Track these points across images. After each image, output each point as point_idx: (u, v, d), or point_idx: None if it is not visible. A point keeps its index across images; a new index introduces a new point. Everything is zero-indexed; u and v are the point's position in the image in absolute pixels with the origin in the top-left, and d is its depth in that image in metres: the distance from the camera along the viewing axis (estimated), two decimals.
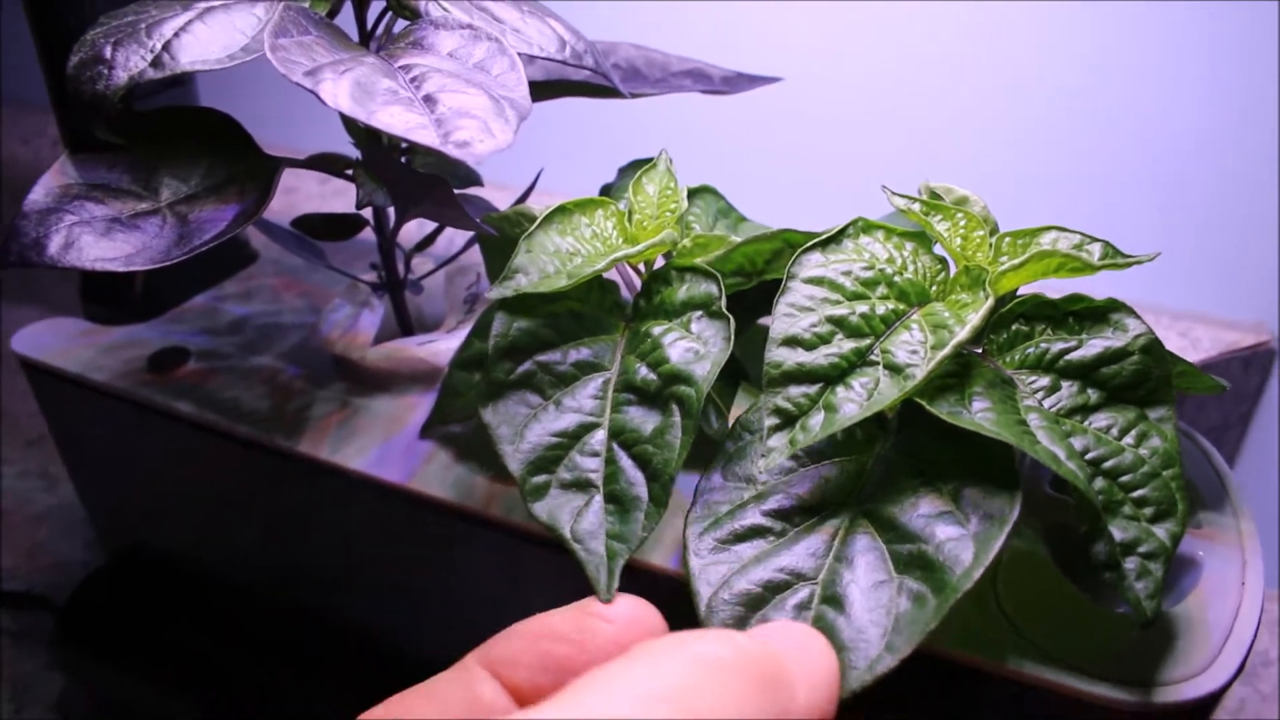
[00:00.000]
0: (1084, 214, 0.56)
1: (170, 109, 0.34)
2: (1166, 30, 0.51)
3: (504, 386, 0.31)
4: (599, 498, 0.30)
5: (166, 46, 0.30)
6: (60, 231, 0.29)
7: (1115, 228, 0.55)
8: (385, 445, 0.37)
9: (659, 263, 0.35)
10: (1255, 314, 0.55)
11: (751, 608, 0.26)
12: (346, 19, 0.34)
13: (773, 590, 0.27)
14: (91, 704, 0.49)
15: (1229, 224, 0.54)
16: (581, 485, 0.30)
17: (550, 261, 0.32)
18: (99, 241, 0.29)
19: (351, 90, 0.26)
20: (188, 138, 0.33)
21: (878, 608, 0.25)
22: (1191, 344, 0.53)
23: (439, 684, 0.25)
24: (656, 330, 0.32)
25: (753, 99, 0.42)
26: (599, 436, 0.30)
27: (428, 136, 0.25)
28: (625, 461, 0.30)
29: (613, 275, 0.35)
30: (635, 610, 0.24)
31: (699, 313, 0.32)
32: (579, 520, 0.29)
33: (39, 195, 0.30)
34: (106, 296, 0.44)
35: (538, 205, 0.36)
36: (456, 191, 0.36)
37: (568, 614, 0.24)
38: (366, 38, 0.35)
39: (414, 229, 0.41)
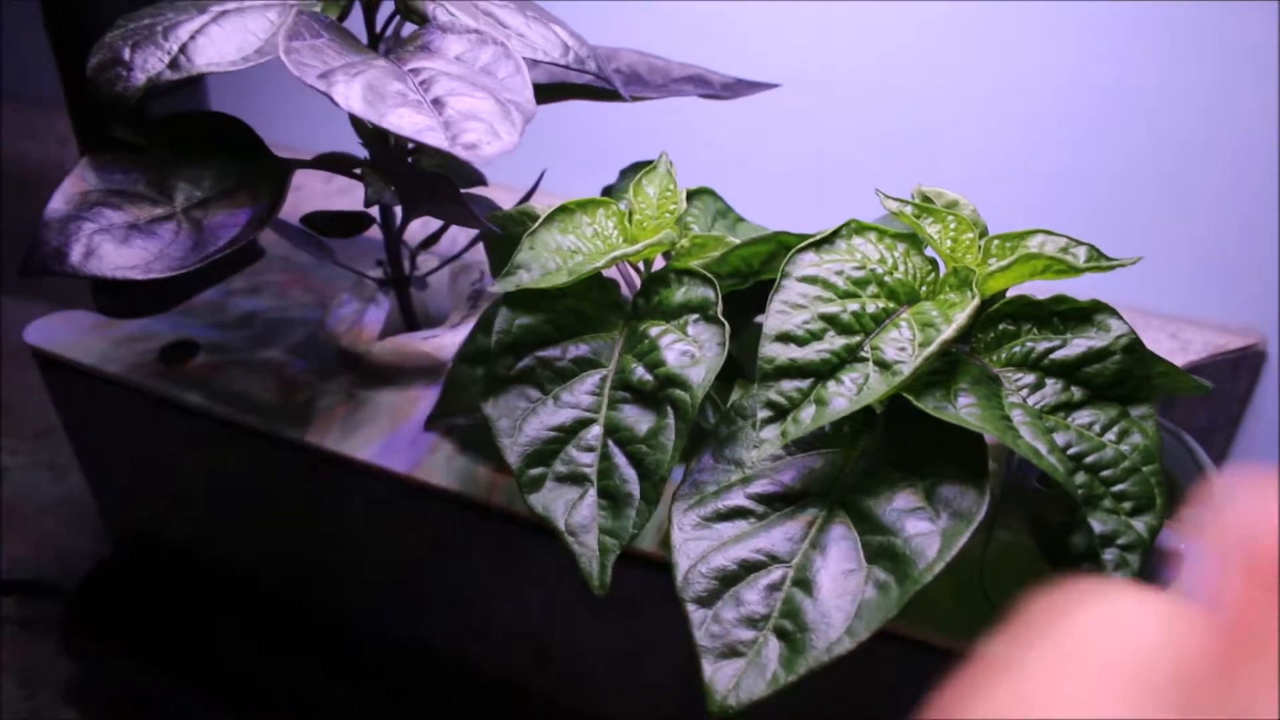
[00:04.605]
0: (1076, 216, 0.57)
1: (181, 115, 0.35)
2: (1161, 31, 0.51)
3: (505, 381, 0.32)
4: (593, 492, 0.30)
5: (183, 49, 0.31)
6: (81, 240, 0.30)
7: (1107, 230, 0.56)
8: (391, 436, 0.38)
9: (659, 262, 0.36)
10: (1245, 317, 0.55)
11: (726, 584, 0.28)
12: (355, 21, 0.35)
13: (748, 569, 0.28)
14: (100, 690, 0.50)
15: (1220, 228, 0.54)
16: (576, 479, 0.31)
17: (552, 258, 0.33)
18: (119, 249, 0.30)
19: (363, 93, 0.27)
20: (199, 141, 0.34)
21: (844, 594, 0.26)
22: (1182, 346, 0.54)
23: None
24: (654, 331, 0.32)
25: (752, 103, 0.43)
26: (595, 432, 0.31)
27: (436, 138, 0.26)
28: (620, 459, 0.31)
29: (613, 273, 0.36)
30: None
31: (695, 316, 0.33)
32: (573, 513, 0.30)
33: (59, 203, 0.31)
34: (117, 288, 0.45)
35: (540, 205, 0.37)
36: (461, 191, 0.37)
37: None
38: (375, 40, 0.36)
39: (419, 227, 0.42)
